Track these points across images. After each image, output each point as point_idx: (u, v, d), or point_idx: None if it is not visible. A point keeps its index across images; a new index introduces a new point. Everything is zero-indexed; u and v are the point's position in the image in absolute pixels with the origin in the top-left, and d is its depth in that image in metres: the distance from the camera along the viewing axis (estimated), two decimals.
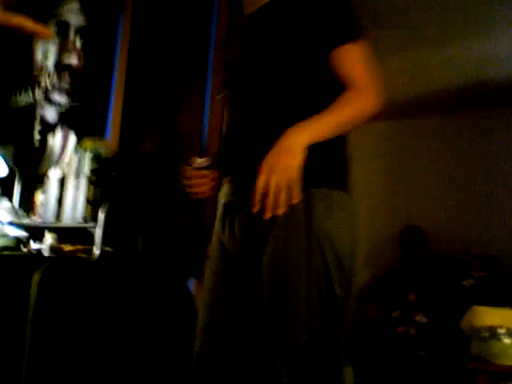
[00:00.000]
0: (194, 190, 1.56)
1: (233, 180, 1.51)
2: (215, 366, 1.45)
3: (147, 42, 3.07)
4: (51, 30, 0.77)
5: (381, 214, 4.92)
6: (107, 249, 2.57)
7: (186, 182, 1.56)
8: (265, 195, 1.22)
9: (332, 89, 1.41)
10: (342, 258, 1.35)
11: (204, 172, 1.56)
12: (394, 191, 4.96)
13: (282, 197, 1.21)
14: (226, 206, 1.52)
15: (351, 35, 1.43)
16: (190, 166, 1.55)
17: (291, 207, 1.26)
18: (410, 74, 4.25)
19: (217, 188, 1.59)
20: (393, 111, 4.57)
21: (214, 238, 1.56)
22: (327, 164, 1.42)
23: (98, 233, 2.55)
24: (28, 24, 0.66)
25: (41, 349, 2.14)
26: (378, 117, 1.44)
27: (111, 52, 3.04)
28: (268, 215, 1.22)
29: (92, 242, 2.57)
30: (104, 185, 2.69)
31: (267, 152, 1.28)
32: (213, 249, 1.56)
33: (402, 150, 4.98)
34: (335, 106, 1.37)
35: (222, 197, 1.55)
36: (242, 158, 1.46)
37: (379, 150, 5.02)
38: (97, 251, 2.51)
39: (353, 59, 1.42)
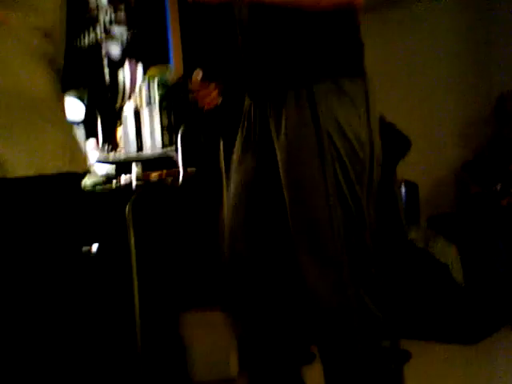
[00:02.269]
0: (203, 101, 1.59)
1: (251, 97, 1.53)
2: (243, 270, 1.49)
3: None
4: None
5: (469, 88, 4.64)
6: (191, 169, 2.66)
7: (194, 94, 1.59)
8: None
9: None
10: (355, 145, 1.34)
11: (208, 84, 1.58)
12: (479, 62, 4.62)
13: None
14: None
15: None
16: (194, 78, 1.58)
17: (296, 104, 1.32)
18: None
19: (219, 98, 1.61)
20: None
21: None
22: (334, 51, 1.37)
23: (179, 156, 2.64)
24: None
25: (145, 270, 2.34)
26: None
27: None
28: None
29: (175, 166, 2.67)
30: (175, 109, 2.76)
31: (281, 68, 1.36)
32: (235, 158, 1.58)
33: (482, 17, 4.57)
34: None
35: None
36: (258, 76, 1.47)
37: (457, 23, 4.64)
38: (181, 173, 2.60)
39: None
